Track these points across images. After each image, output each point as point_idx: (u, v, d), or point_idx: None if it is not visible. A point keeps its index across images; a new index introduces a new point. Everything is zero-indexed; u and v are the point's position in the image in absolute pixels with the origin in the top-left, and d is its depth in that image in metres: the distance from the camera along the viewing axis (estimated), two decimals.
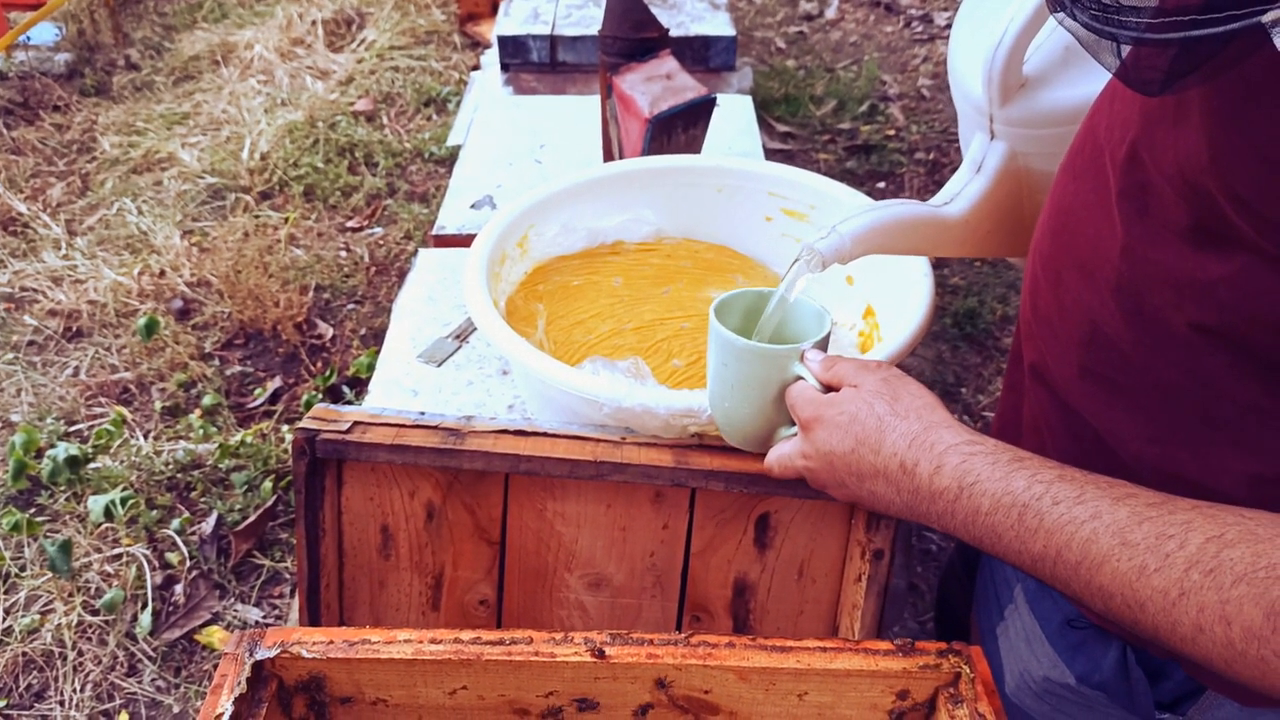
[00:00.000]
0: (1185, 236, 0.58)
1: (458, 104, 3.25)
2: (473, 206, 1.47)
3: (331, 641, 0.61)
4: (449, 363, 1.10)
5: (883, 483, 0.64)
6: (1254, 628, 0.46)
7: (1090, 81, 0.78)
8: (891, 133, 3.33)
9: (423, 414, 0.85)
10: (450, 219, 1.45)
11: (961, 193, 0.87)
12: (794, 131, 3.33)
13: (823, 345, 0.72)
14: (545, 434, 0.84)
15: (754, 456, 0.83)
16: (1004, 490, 0.57)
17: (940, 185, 0.89)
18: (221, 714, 0.56)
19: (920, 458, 0.61)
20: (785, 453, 0.72)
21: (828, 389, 0.69)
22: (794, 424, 0.72)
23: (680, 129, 1.20)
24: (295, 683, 0.63)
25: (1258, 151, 0.51)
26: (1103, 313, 0.66)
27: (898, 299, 0.93)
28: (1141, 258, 0.62)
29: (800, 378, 0.71)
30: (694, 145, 1.24)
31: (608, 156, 1.38)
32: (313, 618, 0.86)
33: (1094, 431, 0.69)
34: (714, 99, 1.21)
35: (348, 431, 0.81)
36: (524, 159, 1.61)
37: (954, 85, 0.88)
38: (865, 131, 3.33)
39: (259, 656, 0.60)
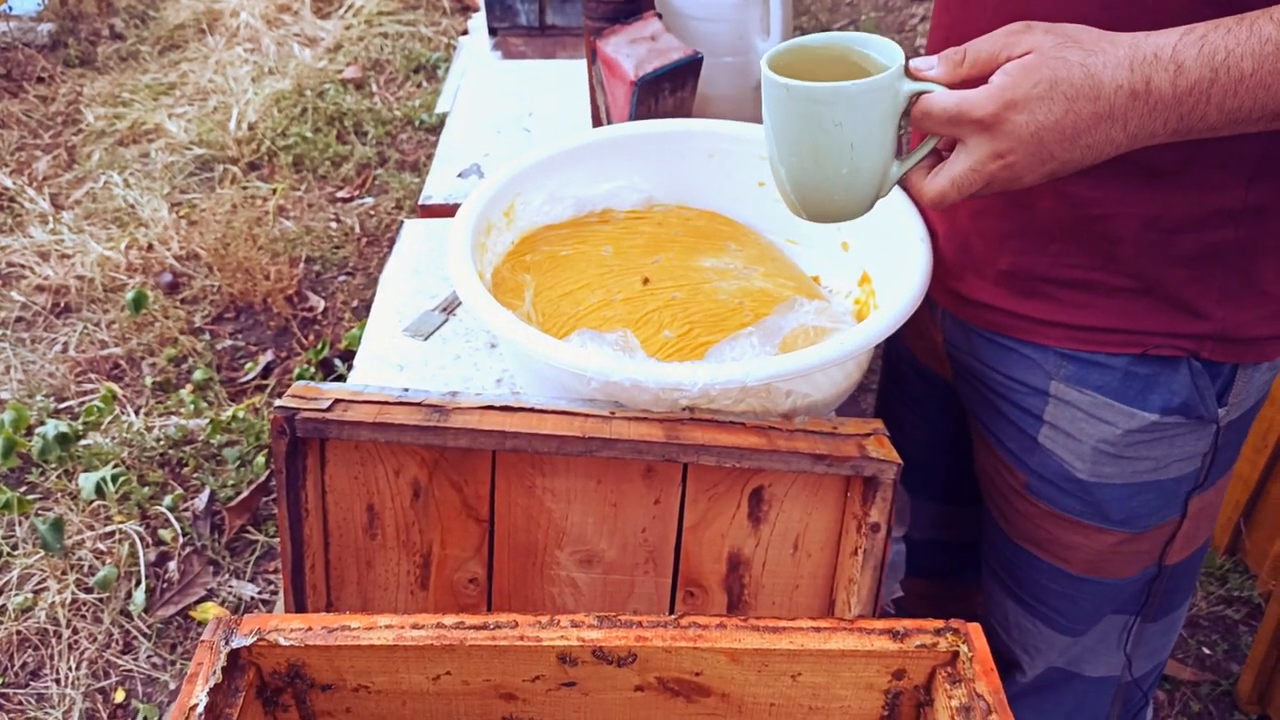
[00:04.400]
0: None
1: (447, 70, 3.20)
2: (460, 175, 1.44)
3: (310, 628, 0.60)
4: (436, 336, 1.08)
5: (1106, 126, 0.61)
6: None
7: None
8: None
9: (406, 390, 0.83)
10: (437, 188, 1.42)
11: None
12: None
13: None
14: (532, 410, 0.82)
15: (746, 430, 0.81)
16: (1261, 41, 0.58)
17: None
18: (195, 705, 0.54)
19: (1151, 74, 0.60)
20: (957, 173, 0.65)
21: (962, 85, 0.63)
22: (901, 154, 0.66)
23: (667, 91, 1.17)
24: (274, 671, 0.61)
25: None
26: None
27: (894, 265, 0.91)
28: None
29: (919, 94, 0.63)
30: (683, 108, 1.21)
31: (596, 123, 1.34)
32: (298, 599, 0.84)
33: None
34: (700, 58, 1.18)
35: (328, 410, 0.79)
36: (512, 126, 1.57)
37: None
38: None
39: (235, 645, 0.58)
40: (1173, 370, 0.81)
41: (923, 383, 1.07)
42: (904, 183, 0.71)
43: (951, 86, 0.63)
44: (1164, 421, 0.83)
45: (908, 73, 0.64)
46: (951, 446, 1.06)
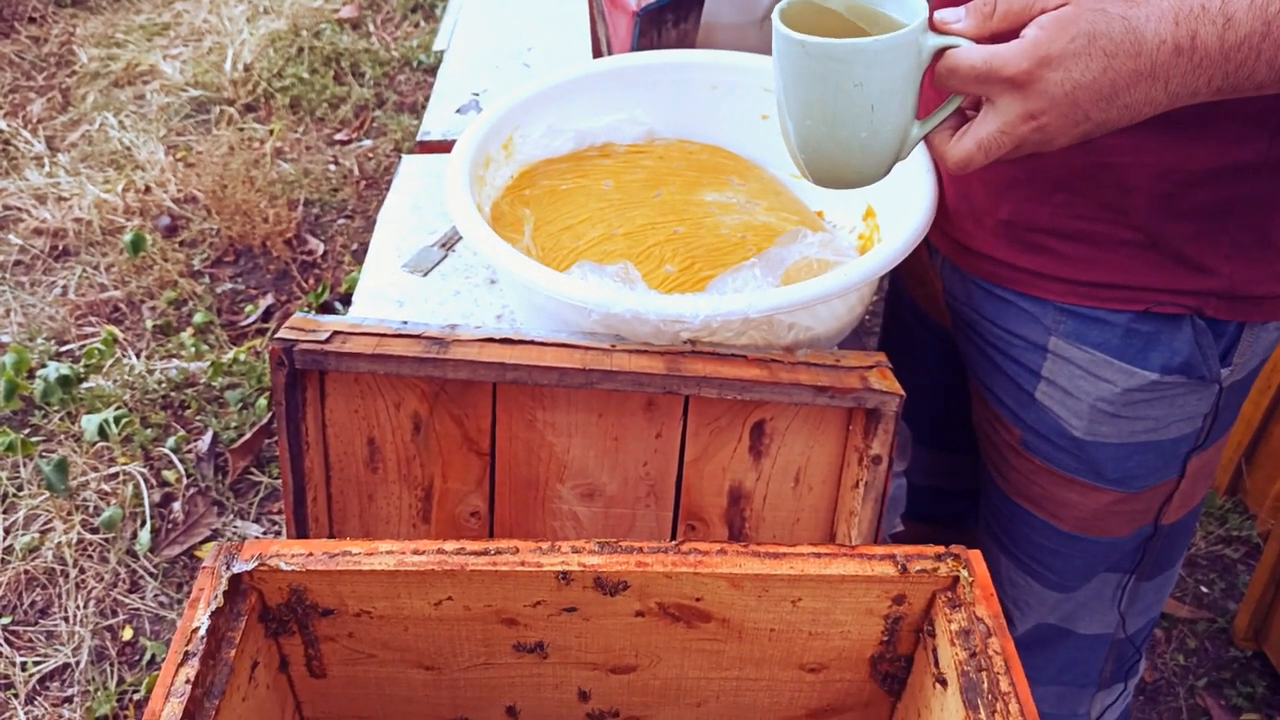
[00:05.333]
0: None
1: (445, 8, 3.14)
2: (458, 111, 1.42)
3: (311, 554, 0.60)
4: (435, 272, 1.07)
5: (1146, 85, 0.57)
6: None
7: None
8: None
9: (405, 323, 0.82)
10: (435, 124, 1.40)
11: None
12: None
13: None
14: (532, 342, 0.81)
15: (747, 362, 0.80)
16: None
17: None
18: (198, 628, 0.54)
19: (1197, 27, 0.55)
20: (984, 135, 0.61)
21: (991, 40, 0.59)
22: (919, 116, 0.63)
23: (670, 23, 1.14)
24: (276, 596, 0.61)
25: None
26: None
27: (900, 200, 0.90)
28: None
29: (944, 49, 0.59)
30: (686, 40, 1.18)
31: (596, 55, 1.32)
32: (300, 532, 0.84)
33: None
34: None
35: (327, 341, 0.78)
36: (511, 61, 1.55)
37: None
38: None
39: (236, 570, 0.58)
40: (1175, 328, 0.79)
41: (923, 330, 1.05)
42: (925, 145, 0.67)
43: (979, 41, 0.59)
44: (1164, 381, 0.81)
45: (932, 26, 0.60)
46: (951, 395, 1.05)
